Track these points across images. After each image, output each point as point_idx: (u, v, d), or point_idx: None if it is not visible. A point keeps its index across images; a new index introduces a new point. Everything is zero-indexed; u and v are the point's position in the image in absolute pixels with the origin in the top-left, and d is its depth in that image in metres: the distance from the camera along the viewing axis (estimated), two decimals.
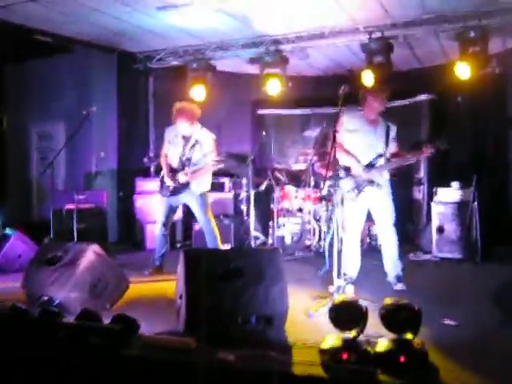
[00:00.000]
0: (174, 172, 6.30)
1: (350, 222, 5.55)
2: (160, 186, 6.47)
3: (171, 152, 6.38)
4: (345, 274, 5.42)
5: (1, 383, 3.52)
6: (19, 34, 8.04)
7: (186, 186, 6.24)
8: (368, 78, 7.58)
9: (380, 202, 5.48)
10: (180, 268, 3.93)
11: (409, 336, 3.13)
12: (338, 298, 3.64)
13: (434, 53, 8.72)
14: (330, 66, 9.70)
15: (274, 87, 8.41)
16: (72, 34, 8.32)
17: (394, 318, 3.18)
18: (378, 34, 7.66)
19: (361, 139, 5.45)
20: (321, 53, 8.83)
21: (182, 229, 8.80)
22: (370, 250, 7.47)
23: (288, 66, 8.58)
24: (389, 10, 7.25)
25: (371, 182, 5.35)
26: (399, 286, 5.41)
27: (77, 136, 6.99)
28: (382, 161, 5.42)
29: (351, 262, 5.57)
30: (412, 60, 9.13)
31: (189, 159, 6.25)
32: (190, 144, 6.28)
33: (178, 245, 8.66)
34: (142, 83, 9.71)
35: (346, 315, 3.24)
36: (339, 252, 4.87)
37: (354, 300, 3.38)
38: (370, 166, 5.39)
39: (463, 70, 7.35)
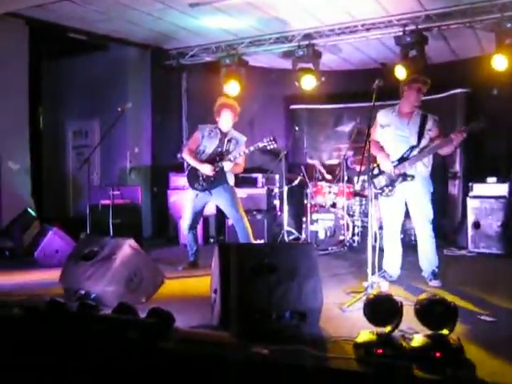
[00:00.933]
0: (211, 163, 6.21)
1: (387, 219, 5.56)
2: (191, 181, 6.34)
3: (206, 145, 6.32)
4: (384, 271, 5.45)
5: (41, 376, 3.59)
6: (55, 32, 8.21)
7: (223, 178, 6.24)
8: (401, 72, 7.51)
9: (416, 197, 5.36)
10: (214, 262, 3.96)
11: (444, 332, 3.10)
12: (373, 292, 3.61)
13: (470, 45, 8.59)
14: (362, 60, 9.63)
15: (307, 82, 8.40)
16: (106, 31, 8.45)
17: (430, 313, 3.14)
18: (412, 27, 7.57)
19: (392, 133, 5.39)
20: (353, 47, 8.78)
21: (215, 224, 8.84)
22: (404, 246, 7.35)
23: (321, 61, 8.56)
24: (423, 2, 7.16)
25: (404, 176, 5.27)
26: (434, 283, 5.31)
27: (112, 132, 7.10)
28: (415, 152, 5.28)
29: (390, 259, 5.56)
30: (447, 52, 9.00)
31: (227, 150, 6.26)
32: (227, 138, 6.33)
33: (212, 240, 8.72)
34: (175, 79, 9.81)
35: (380, 310, 3.21)
36: (373, 248, 4.86)
37: (389, 295, 3.35)
38: (402, 159, 5.29)
39: (499, 62, 7.22)
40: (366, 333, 3.22)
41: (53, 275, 5.38)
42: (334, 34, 8.27)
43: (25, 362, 3.63)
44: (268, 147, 6.08)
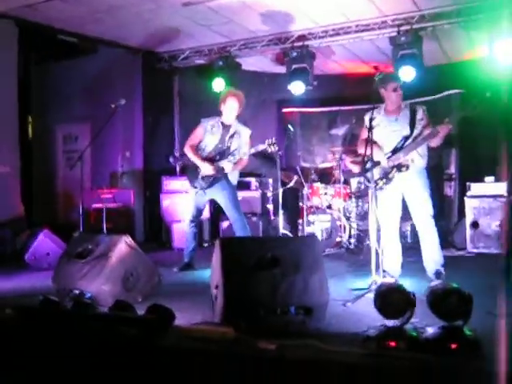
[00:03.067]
0: (211, 161, 6.09)
1: (384, 215, 5.36)
2: (191, 178, 6.24)
3: (207, 141, 6.19)
4: (384, 271, 5.25)
5: (36, 377, 3.43)
6: (44, 34, 8.09)
7: (225, 175, 6.11)
8: (406, 73, 7.39)
9: (414, 190, 5.21)
10: (215, 257, 3.81)
11: (459, 323, 2.97)
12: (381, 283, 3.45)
13: (463, 47, 8.56)
14: (355, 64, 9.57)
15: (298, 87, 8.33)
16: (96, 33, 8.32)
17: (444, 303, 3.01)
18: (407, 27, 7.52)
19: (382, 130, 5.28)
20: (346, 49, 8.71)
21: (209, 228, 8.70)
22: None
23: (314, 63, 8.48)
24: (417, 2, 7.12)
25: (398, 167, 5.13)
26: (436, 283, 4.94)
27: (103, 136, 6.95)
28: (408, 141, 5.18)
29: (390, 258, 5.36)
30: (440, 55, 8.96)
31: (228, 148, 6.13)
32: (229, 133, 6.17)
33: (206, 244, 8.56)
34: (167, 83, 9.68)
35: (393, 301, 3.07)
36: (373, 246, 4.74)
37: (400, 285, 3.22)
38: (396, 150, 5.19)
39: (494, 62, 7.15)
40: (377, 326, 3.09)
41: (44, 278, 5.22)
42: (328, 36, 8.19)
43: (19, 362, 3.47)
44: (269, 150, 5.88)
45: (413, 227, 7.26)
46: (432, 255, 5.23)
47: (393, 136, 5.26)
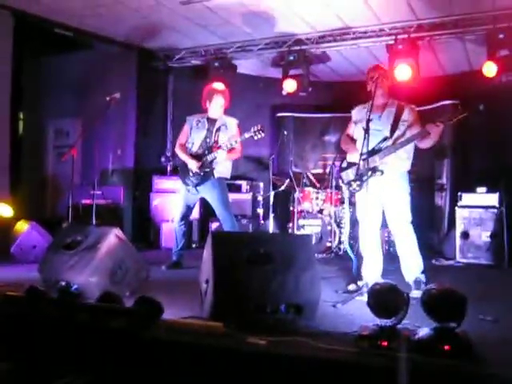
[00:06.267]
0: (197, 157, 6.08)
1: (362, 219, 5.17)
2: (182, 176, 6.21)
3: (194, 137, 6.19)
4: (361, 277, 5.15)
5: (18, 369, 3.35)
6: (39, 27, 7.96)
7: (211, 172, 6.06)
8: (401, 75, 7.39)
9: (390, 196, 4.96)
10: (207, 251, 3.75)
11: (452, 325, 2.93)
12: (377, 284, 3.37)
13: (458, 59, 8.58)
14: (350, 72, 9.55)
15: (291, 85, 8.31)
16: (94, 28, 8.24)
17: (438, 304, 2.97)
18: (404, 36, 7.53)
19: (364, 127, 4.89)
20: (342, 56, 8.72)
21: (198, 229, 8.63)
22: (390, 257, 6.88)
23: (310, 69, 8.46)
24: (416, 11, 7.13)
25: (373, 170, 4.86)
26: (415, 294, 4.38)
27: (94, 132, 6.83)
28: (388, 143, 4.90)
29: (368, 265, 5.12)
30: (435, 67, 8.98)
31: (216, 141, 6.09)
32: (215, 127, 6.16)
33: (194, 245, 8.48)
34: (161, 82, 9.64)
35: (386, 301, 3.03)
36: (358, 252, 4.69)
37: (394, 285, 3.17)
38: (373, 152, 4.89)
39: (489, 74, 7.16)
40: (368, 325, 3.05)
41: (29, 270, 5.12)
42: (325, 41, 8.19)
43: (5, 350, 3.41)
44: (255, 137, 5.86)
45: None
46: (409, 263, 4.95)
47: (372, 136, 4.86)
